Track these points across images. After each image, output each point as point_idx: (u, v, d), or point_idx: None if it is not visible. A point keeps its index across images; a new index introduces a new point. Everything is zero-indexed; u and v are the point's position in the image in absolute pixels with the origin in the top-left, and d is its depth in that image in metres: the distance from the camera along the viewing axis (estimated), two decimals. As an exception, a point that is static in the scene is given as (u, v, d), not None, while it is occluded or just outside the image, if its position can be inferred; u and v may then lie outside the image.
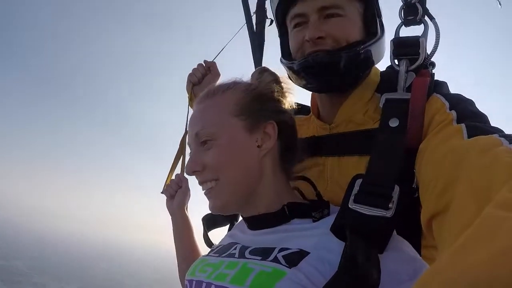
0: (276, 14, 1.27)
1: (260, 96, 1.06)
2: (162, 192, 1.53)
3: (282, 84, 1.14)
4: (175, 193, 1.47)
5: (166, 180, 1.57)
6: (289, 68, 1.18)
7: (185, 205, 1.46)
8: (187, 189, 1.47)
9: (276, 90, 1.10)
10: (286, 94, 1.14)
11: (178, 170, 1.60)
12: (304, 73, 1.13)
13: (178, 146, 1.63)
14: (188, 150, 1.32)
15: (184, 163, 1.56)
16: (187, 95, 1.59)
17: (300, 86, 1.20)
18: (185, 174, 1.47)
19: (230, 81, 1.11)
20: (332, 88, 1.18)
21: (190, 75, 1.58)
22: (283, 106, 1.11)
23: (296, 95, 1.18)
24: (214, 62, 1.59)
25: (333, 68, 1.09)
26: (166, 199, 1.50)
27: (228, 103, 1.03)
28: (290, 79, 1.20)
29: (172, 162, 1.61)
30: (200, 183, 1.04)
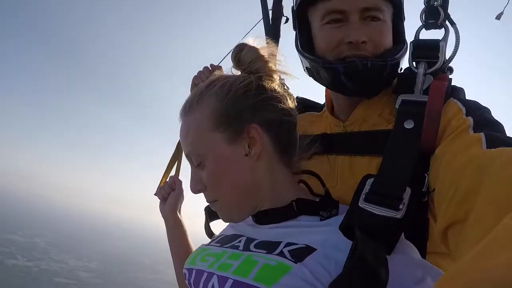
0: (299, 3, 1.16)
1: (234, 98, 0.96)
2: (155, 194, 1.46)
3: (267, 61, 1.02)
4: (168, 196, 1.41)
5: (160, 182, 1.50)
6: (324, 66, 1.09)
7: (178, 209, 1.40)
8: (181, 192, 1.41)
9: (260, 77, 1.00)
10: (274, 74, 1.03)
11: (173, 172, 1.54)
12: (346, 76, 1.06)
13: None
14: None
15: (180, 165, 1.53)
16: None
17: (324, 85, 1.18)
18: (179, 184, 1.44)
19: (205, 85, 1.02)
20: (368, 93, 1.14)
21: (195, 78, 1.47)
22: (267, 98, 0.98)
23: (286, 65, 1.08)
24: (220, 66, 1.49)
25: (378, 76, 1.06)
26: (159, 202, 1.43)
27: (203, 117, 0.96)
28: (307, 73, 1.18)
29: (168, 163, 1.55)
30: (207, 201, 1.03)
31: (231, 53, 1.06)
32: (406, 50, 1.10)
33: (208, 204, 1.04)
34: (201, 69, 1.48)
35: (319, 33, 1.12)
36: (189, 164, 1.02)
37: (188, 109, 1.00)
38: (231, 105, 0.96)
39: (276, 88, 1.03)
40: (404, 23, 1.16)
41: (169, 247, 1.39)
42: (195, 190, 1.00)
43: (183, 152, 1.03)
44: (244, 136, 0.95)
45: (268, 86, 1.01)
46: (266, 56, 1.03)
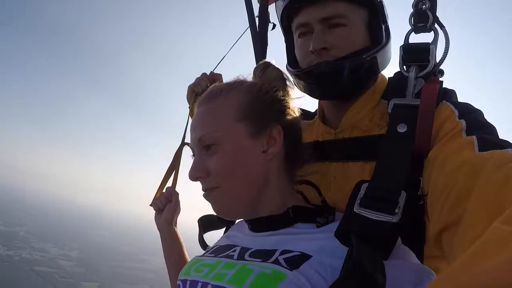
0: (281, 21, 1.25)
1: (264, 97, 1.00)
2: (150, 205, 1.42)
3: (287, 81, 1.09)
4: (164, 207, 1.36)
5: (156, 193, 1.45)
6: (296, 75, 1.16)
7: (174, 221, 1.36)
8: (177, 204, 1.36)
9: (281, 89, 1.04)
10: (290, 92, 1.08)
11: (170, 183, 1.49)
12: (309, 81, 1.13)
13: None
14: (182, 163, 1.45)
15: (177, 176, 1.48)
16: (188, 106, 1.50)
17: (306, 93, 1.18)
18: (171, 186, 1.45)
19: (232, 81, 1.05)
20: (334, 96, 1.16)
21: (194, 85, 1.46)
22: (288, 106, 1.04)
23: (298, 95, 1.14)
24: (220, 74, 1.49)
25: (336, 77, 1.07)
26: (155, 213, 1.40)
27: (231, 106, 0.96)
28: (296, 86, 1.17)
29: (164, 174, 1.49)
30: (203, 189, 0.98)
31: (256, 67, 1.11)
32: (382, 50, 1.10)
33: (204, 194, 0.99)
34: (199, 76, 1.47)
35: (296, 46, 1.20)
36: (194, 151, 1.00)
37: (214, 96, 1.00)
38: (260, 103, 0.98)
39: (292, 101, 1.08)
40: (390, 25, 1.16)
41: (164, 258, 1.36)
42: (195, 176, 0.96)
43: (192, 136, 1.00)
44: (265, 134, 0.96)
45: (288, 97, 1.06)
46: (286, 79, 1.10)
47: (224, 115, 0.96)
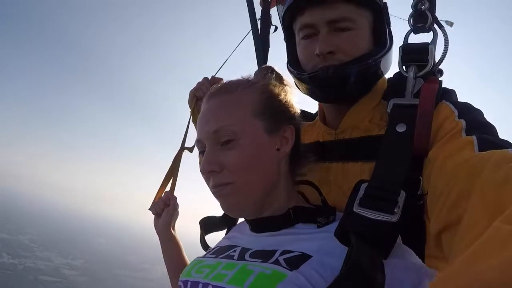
0: (283, 20, 1.22)
1: (278, 98, 1.02)
2: (149, 209, 1.44)
3: (286, 87, 1.09)
4: (162, 211, 1.38)
5: (155, 197, 1.47)
6: (299, 78, 1.14)
7: (172, 225, 1.38)
8: (175, 209, 1.38)
9: (288, 92, 1.06)
10: (294, 96, 1.09)
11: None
12: (313, 85, 1.11)
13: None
14: (182, 167, 1.48)
15: (176, 181, 1.49)
16: (190, 110, 1.50)
17: (307, 95, 1.18)
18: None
19: (246, 79, 1.05)
20: (337, 100, 1.15)
21: (195, 89, 1.46)
22: (296, 109, 1.06)
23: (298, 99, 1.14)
24: (221, 79, 1.48)
25: (342, 83, 1.06)
26: (154, 217, 1.42)
27: (249, 102, 0.96)
28: (297, 87, 1.18)
29: (163, 179, 1.51)
30: (214, 185, 0.95)
31: (257, 70, 1.12)
32: (386, 54, 1.09)
33: (213, 190, 0.98)
34: (200, 81, 1.46)
35: (298, 47, 1.17)
36: (203, 146, 0.98)
37: (229, 90, 0.99)
38: (275, 102, 1.00)
39: (297, 107, 1.09)
40: (392, 27, 1.16)
41: (164, 261, 1.37)
42: (208, 169, 0.93)
43: (204, 129, 0.97)
44: (279, 133, 0.97)
45: (293, 101, 1.08)
46: (286, 85, 1.11)
47: (241, 110, 0.95)
